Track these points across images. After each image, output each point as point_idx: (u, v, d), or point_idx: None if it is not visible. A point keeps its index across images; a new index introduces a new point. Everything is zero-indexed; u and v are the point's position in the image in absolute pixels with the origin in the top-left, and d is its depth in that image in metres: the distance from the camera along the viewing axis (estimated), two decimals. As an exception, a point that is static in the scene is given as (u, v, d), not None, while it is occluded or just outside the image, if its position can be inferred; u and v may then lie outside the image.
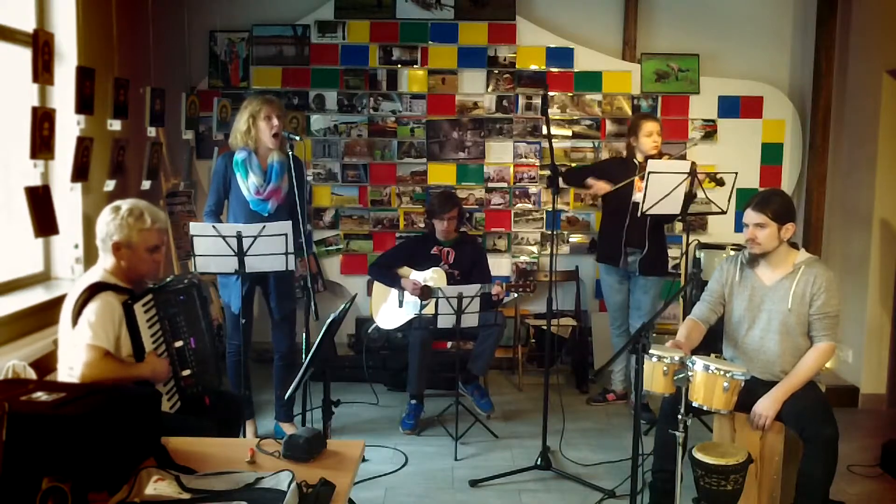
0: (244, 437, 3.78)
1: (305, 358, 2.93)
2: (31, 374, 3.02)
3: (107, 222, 2.79)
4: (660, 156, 4.51)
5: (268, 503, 1.89)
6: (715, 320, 3.34)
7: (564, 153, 5.59)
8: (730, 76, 5.59)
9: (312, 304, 3.71)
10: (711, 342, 3.48)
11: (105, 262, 2.82)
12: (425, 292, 4.44)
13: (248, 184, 3.95)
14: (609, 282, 4.72)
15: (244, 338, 3.96)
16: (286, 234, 3.66)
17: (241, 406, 3.32)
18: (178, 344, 2.87)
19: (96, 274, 2.80)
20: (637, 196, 4.38)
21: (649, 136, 4.45)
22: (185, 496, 1.94)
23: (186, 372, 2.89)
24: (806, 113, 5.54)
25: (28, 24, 3.58)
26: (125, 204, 2.83)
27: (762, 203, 3.13)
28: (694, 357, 2.93)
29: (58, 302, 3.55)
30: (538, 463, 3.82)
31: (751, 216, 3.14)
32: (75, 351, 2.67)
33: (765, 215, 3.10)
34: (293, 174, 3.80)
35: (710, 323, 3.34)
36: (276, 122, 3.92)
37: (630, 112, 5.54)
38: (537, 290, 5.05)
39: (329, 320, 2.87)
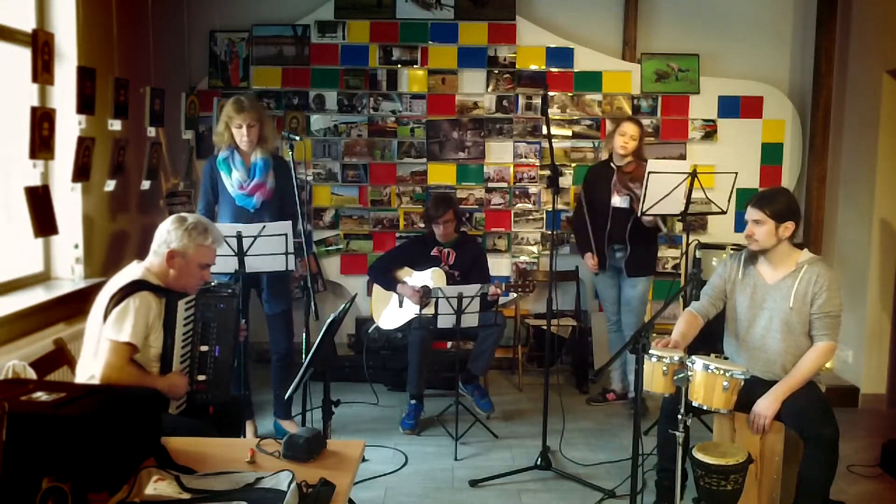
0: (244, 437, 3.78)
1: (305, 358, 2.93)
2: (31, 374, 3.01)
3: (169, 230, 2.83)
4: (636, 157, 4.55)
5: (268, 503, 1.89)
6: (714, 314, 3.34)
7: (564, 153, 5.59)
8: (730, 76, 5.59)
9: (312, 304, 3.71)
10: (712, 342, 3.48)
11: (150, 263, 2.84)
12: (425, 293, 4.44)
13: (231, 180, 3.97)
14: (601, 278, 4.78)
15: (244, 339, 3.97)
16: (286, 234, 3.67)
17: (241, 408, 3.33)
18: (204, 348, 2.89)
19: (138, 271, 2.82)
20: (616, 200, 4.53)
21: (622, 136, 4.52)
22: (185, 496, 1.94)
23: (202, 377, 2.89)
24: (806, 113, 5.54)
25: (28, 24, 3.58)
26: (191, 217, 2.89)
27: (761, 200, 3.14)
28: (693, 357, 2.94)
29: (58, 302, 3.58)
30: (538, 463, 3.82)
31: (749, 212, 3.16)
32: (103, 345, 2.67)
33: (762, 212, 3.11)
34: (286, 173, 3.81)
35: (708, 317, 3.34)
36: (245, 132, 3.89)
37: (630, 112, 5.54)
38: (537, 290, 5.05)
39: (329, 320, 2.87)
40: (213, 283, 3.03)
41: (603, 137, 5.57)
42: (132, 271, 2.83)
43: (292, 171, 3.81)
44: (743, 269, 3.27)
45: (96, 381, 2.68)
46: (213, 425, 2.85)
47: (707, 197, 4.22)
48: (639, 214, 4.28)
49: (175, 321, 2.77)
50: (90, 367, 2.74)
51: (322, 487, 1.96)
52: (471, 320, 4.19)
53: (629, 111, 5.54)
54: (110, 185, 4.14)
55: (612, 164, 4.62)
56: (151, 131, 4.60)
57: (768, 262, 3.20)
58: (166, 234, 2.83)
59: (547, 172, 5.38)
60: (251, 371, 4.24)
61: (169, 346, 2.77)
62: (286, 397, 3.21)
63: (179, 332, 2.80)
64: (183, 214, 2.90)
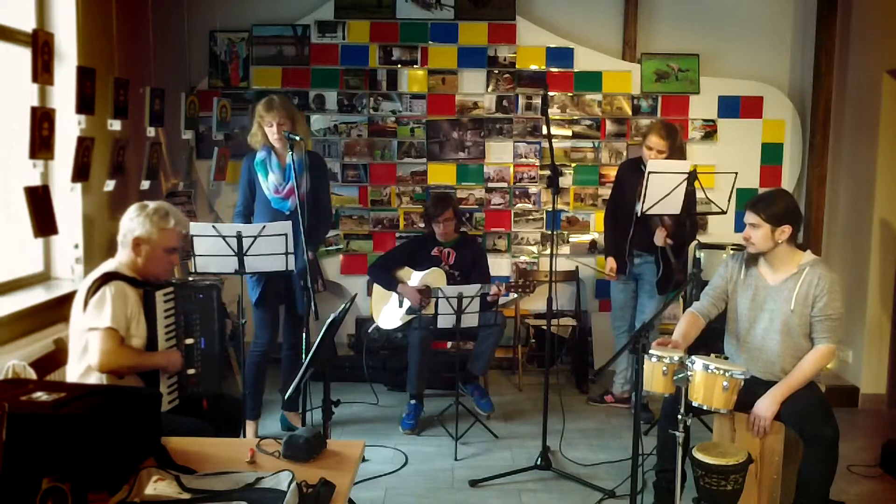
0: (244, 436, 3.78)
1: (305, 358, 2.93)
2: (31, 374, 3.02)
3: (131, 218, 2.87)
4: None
5: (268, 503, 1.89)
6: (715, 315, 3.34)
7: (564, 153, 5.59)
8: (730, 76, 5.59)
9: (312, 304, 3.71)
10: (712, 342, 3.48)
11: (121, 257, 2.89)
12: (425, 293, 4.44)
13: (267, 183, 4.04)
14: (616, 281, 4.66)
15: (271, 336, 4.07)
16: (286, 234, 3.68)
17: (240, 409, 3.33)
18: (189, 341, 2.92)
19: (111, 265, 2.87)
20: (639, 206, 4.29)
21: (649, 150, 4.33)
22: (185, 496, 1.94)
23: (191, 371, 2.92)
24: (806, 113, 5.54)
25: (28, 24, 3.58)
26: (152, 203, 2.92)
27: (758, 203, 3.14)
28: (693, 357, 2.94)
29: (58, 302, 3.57)
30: (538, 463, 3.82)
31: (746, 215, 3.16)
32: (87, 336, 2.71)
33: (758, 216, 3.10)
34: (320, 169, 3.86)
35: (710, 317, 3.34)
36: (276, 130, 3.95)
37: (630, 112, 5.55)
38: (537, 290, 5.05)
39: (329, 320, 2.87)
40: (189, 279, 3.07)
41: (603, 137, 5.58)
42: (105, 265, 2.88)
43: (326, 167, 3.84)
44: (744, 270, 3.26)
45: (91, 380, 2.70)
46: (211, 424, 2.85)
47: (707, 197, 4.21)
48: (639, 215, 4.25)
49: (155, 313, 2.80)
50: (77, 368, 2.75)
51: (322, 487, 1.96)
52: (471, 320, 4.19)
53: (629, 111, 5.55)
54: (110, 185, 4.14)
55: (642, 167, 4.36)
56: (151, 131, 4.60)
57: (769, 264, 3.19)
58: (129, 222, 2.86)
59: (547, 172, 5.38)
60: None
61: (153, 338, 2.80)
62: (286, 397, 3.21)
63: (161, 324, 2.82)
64: (144, 202, 2.92)
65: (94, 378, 2.73)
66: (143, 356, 2.78)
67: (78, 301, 2.80)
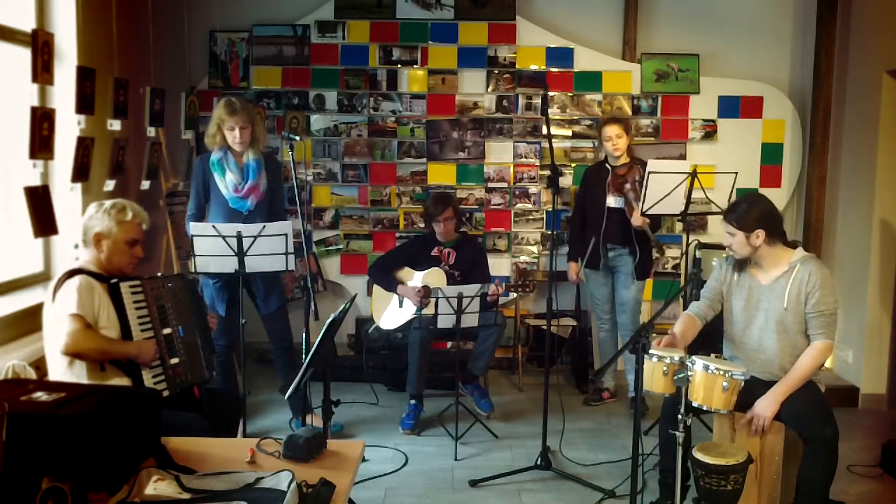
0: (244, 435, 3.78)
1: (305, 358, 2.93)
2: (31, 374, 3.02)
3: (90, 216, 2.91)
4: (630, 158, 4.64)
5: (268, 503, 1.89)
6: (712, 317, 3.34)
7: (564, 153, 5.59)
8: (730, 76, 5.59)
9: (312, 304, 3.71)
10: (712, 342, 3.48)
11: (85, 256, 2.93)
12: (425, 293, 4.44)
13: (226, 181, 3.99)
14: (593, 277, 4.80)
15: (229, 339, 4.00)
16: (286, 234, 3.68)
17: (237, 406, 3.33)
18: (167, 331, 2.91)
19: (75, 264, 2.91)
20: (610, 200, 4.58)
21: (608, 141, 4.58)
22: (185, 496, 1.94)
23: (174, 360, 2.90)
24: (806, 113, 5.54)
25: (28, 24, 3.58)
26: (109, 200, 2.96)
27: (729, 212, 3.18)
28: (694, 357, 2.94)
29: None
30: (538, 463, 3.82)
31: (723, 225, 3.20)
32: (56, 326, 2.72)
33: (730, 224, 3.14)
34: (276, 172, 3.82)
35: (706, 319, 3.34)
36: (237, 133, 3.93)
37: (630, 112, 5.55)
38: (537, 290, 5.05)
39: (329, 320, 2.87)
40: (159, 274, 3.11)
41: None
42: (70, 265, 2.92)
43: (282, 170, 3.81)
44: (737, 272, 3.27)
45: (73, 375, 2.69)
46: (208, 421, 2.85)
47: (707, 197, 4.23)
48: (640, 214, 4.28)
49: (123, 304, 2.81)
50: (60, 367, 2.74)
51: (322, 487, 1.96)
52: (471, 320, 4.19)
53: (629, 111, 5.55)
54: (110, 185, 4.14)
55: (607, 165, 4.67)
56: (151, 131, 4.61)
57: (758, 265, 3.20)
58: (88, 220, 2.91)
59: (547, 172, 5.38)
60: (251, 371, 4.23)
61: (126, 331, 2.80)
62: (286, 397, 3.21)
63: (133, 315, 2.82)
64: (101, 201, 2.97)
65: (76, 371, 2.73)
66: (110, 342, 2.76)
67: (46, 301, 2.81)
